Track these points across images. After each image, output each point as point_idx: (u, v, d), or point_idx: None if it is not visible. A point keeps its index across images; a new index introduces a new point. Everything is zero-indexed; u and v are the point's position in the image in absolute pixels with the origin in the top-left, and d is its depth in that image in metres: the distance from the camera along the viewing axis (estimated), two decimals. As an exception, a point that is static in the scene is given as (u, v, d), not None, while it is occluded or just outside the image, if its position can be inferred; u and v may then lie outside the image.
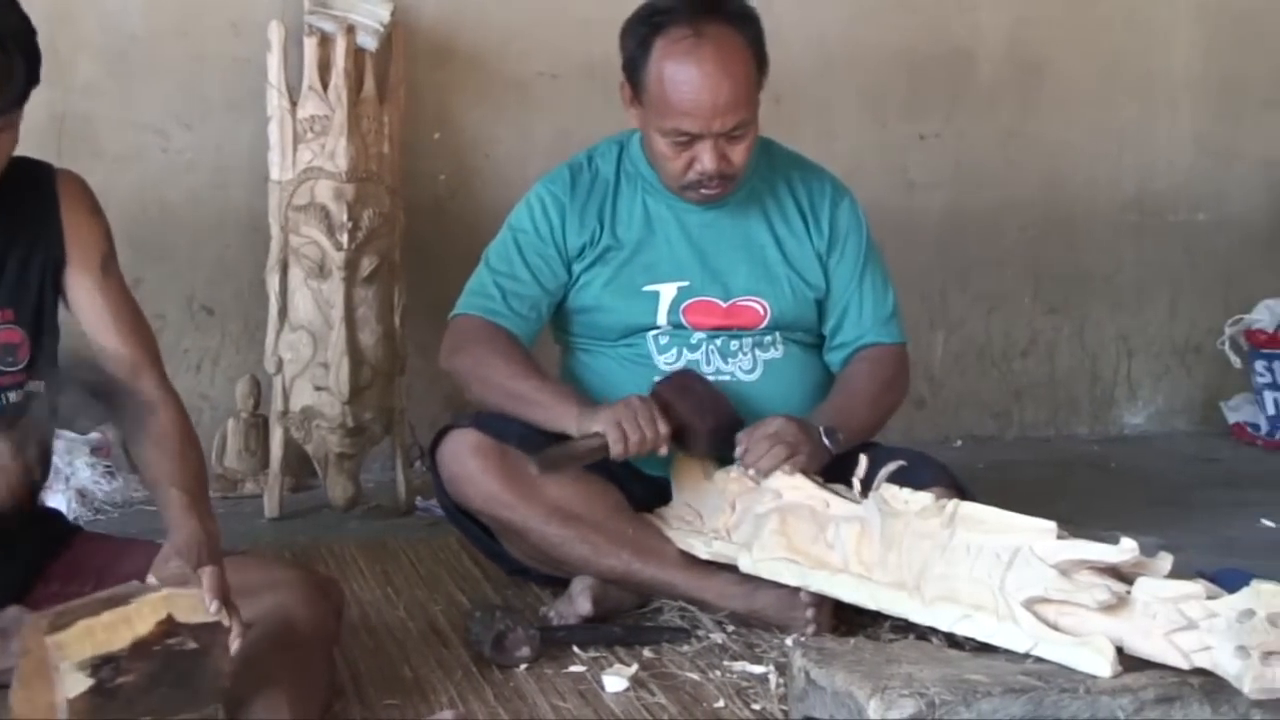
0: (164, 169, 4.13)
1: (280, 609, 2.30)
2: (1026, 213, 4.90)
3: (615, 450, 2.83)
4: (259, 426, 4.02)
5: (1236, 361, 5.01)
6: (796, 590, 2.77)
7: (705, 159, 2.99)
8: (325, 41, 3.87)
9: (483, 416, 3.03)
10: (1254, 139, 5.09)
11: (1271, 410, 4.93)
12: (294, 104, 3.86)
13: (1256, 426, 4.98)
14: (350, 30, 3.87)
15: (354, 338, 3.77)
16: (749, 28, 3.03)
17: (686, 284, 3.11)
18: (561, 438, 2.93)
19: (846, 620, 2.80)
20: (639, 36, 3.03)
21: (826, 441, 2.93)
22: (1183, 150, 5.04)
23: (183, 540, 2.16)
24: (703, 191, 3.05)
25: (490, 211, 4.29)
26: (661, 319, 3.11)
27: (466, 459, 2.96)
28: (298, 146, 3.83)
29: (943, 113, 4.78)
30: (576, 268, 3.14)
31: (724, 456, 2.98)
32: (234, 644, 2.08)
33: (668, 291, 3.11)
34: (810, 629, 2.76)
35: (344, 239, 3.75)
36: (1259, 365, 4.99)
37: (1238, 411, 5.05)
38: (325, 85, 3.84)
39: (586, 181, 3.18)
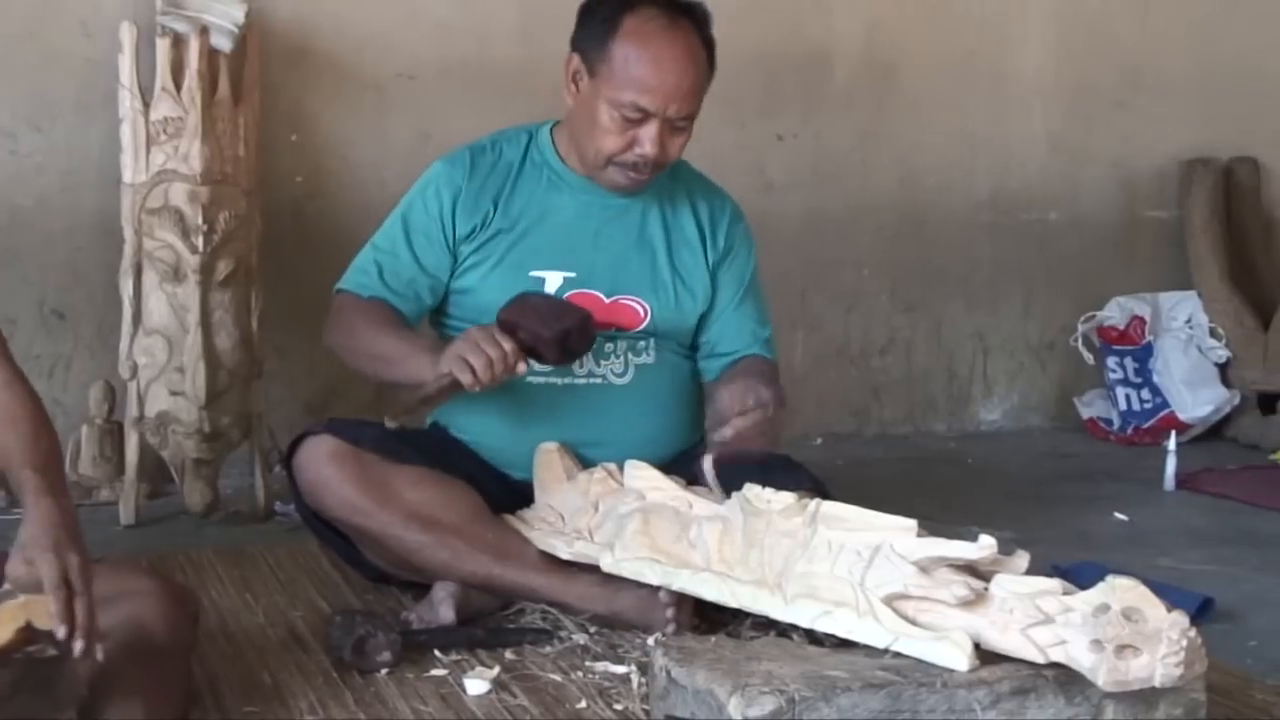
0: (13, 172, 4.06)
1: (135, 618, 2.26)
2: (883, 213, 4.95)
3: (465, 380, 2.81)
4: (114, 433, 3.96)
5: (1089, 358, 5.10)
6: (657, 590, 2.78)
7: (647, 142, 3.02)
8: (178, 42, 3.82)
9: (338, 422, 3.02)
10: (1104, 139, 5.18)
11: (1123, 405, 5.02)
12: (147, 105, 3.80)
13: (1109, 421, 5.06)
14: (204, 31, 3.82)
15: (210, 342, 3.72)
16: (708, 31, 3.13)
17: (573, 275, 3.11)
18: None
19: (708, 619, 2.81)
20: (608, 11, 3.07)
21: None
22: (1035, 150, 5.12)
23: (38, 521, 2.12)
24: (630, 174, 3.07)
25: (348, 213, 4.27)
26: None
27: (322, 466, 2.93)
28: (151, 149, 3.77)
29: (800, 114, 4.81)
30: (464, 249, 3.13)
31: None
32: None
33: (553, 279, 3.11)
34: (670, 628, 2.77)
35: (199, 242, 3.70)
36: (1111, 361, 5.08)
37: (1091, 407, 5.14)
38: (178, 87, 3.78)
39: (488, 164, 3.18)
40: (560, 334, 2.91)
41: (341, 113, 4.32)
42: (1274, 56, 5.34)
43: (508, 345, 2.85)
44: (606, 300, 3.12)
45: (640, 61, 3.01)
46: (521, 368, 2.87)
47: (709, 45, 3.12)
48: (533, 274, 3.10)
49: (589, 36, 3.08)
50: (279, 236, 4.10)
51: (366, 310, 3.10)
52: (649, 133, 3.02)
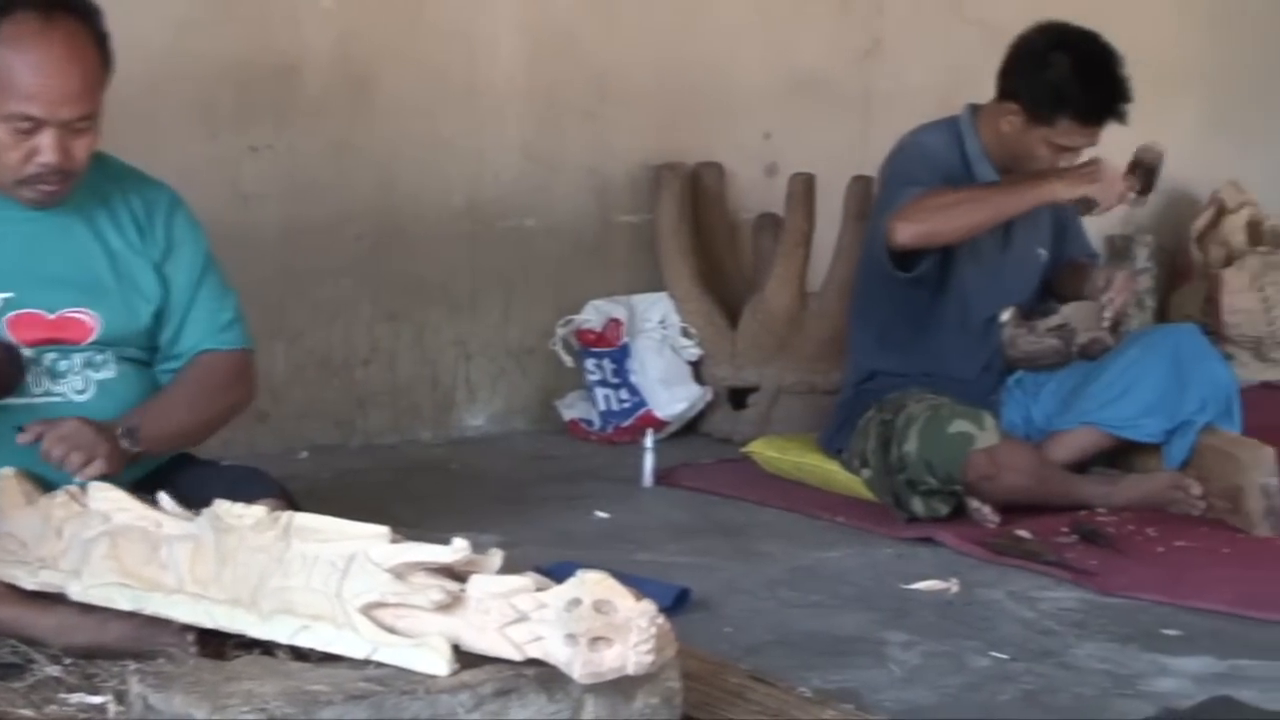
0: None
1: None
2: (362, 222, 4.94)
3: None
4: None
5: (569, 361, 5.21)
6: (154, 619, 2.69)
7: (47, 150, 2.90)
8: None
9: None
10: (576, 148, 5.30)
11: (603, 406, 5.15)
12: None
13: (590, 422, 5.18)
14: None
15: None
16: (95, 23, 3.00)
17: (12, 295, 2.98)
18: None
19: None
20: None
21: (124, 442, 2.90)
22: (510, 159, 5.19)
23: None
24: (41, 188, 2.95)
25: None
26: None
27: None
28: None
29: (273, 125, 4.76)
30: None
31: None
32: None
33: None
34: (194, 650, 2.67)
35: None
36: (590, 363, 5.20)
37: (572, 409, 5.25)
38: None
39: None
40: None
41: None
42: (733, 65, 5.57)
43: None
44: (51, 316, 3.02)
45: (23, 70, 2.89)
46: None
47: (100, 38, 3.01)
48: None
49: None
50: None
51: None
52: (47, 141, 2.91)
